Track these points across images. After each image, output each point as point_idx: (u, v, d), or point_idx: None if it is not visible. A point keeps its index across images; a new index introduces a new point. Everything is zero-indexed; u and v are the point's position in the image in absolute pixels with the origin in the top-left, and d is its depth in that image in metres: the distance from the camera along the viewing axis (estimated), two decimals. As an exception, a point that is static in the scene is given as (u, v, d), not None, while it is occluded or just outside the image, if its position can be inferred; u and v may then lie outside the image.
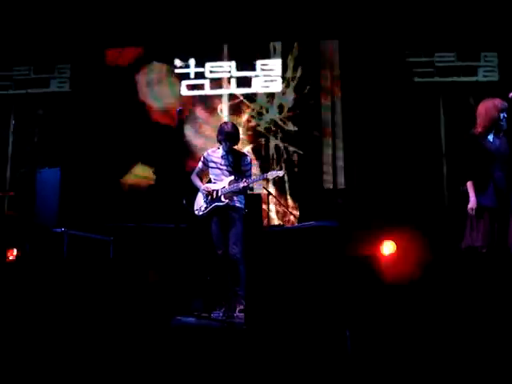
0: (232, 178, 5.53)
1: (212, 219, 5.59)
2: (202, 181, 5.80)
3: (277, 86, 9.20)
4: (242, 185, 5.43)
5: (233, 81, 9.28)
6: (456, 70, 8.84)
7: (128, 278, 4.78)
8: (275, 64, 9.24)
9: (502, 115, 4.80)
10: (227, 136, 5.56)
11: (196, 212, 5.70)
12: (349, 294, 3.71)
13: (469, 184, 4.81)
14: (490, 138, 4.84)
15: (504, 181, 4.74)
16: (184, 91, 9.29)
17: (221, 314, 5.48)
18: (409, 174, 8.28)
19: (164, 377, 3.36)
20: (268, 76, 9.23)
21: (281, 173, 5.48)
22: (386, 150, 8.44)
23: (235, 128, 5.64)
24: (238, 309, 5.36)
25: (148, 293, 4.72)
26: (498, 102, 4.82)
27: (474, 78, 8.83)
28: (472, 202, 4.74)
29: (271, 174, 5.49)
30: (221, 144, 5.65)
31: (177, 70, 9.33)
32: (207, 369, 3.41)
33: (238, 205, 5.56)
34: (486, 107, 4.88)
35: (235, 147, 5.70)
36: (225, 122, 5.78)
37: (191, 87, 9.27)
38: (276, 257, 6.26)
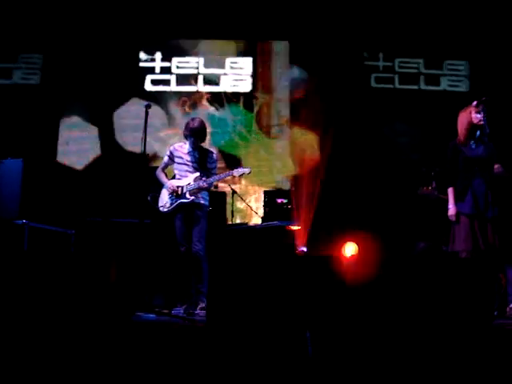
0: (197, 174, 5.52)
1: (176, 216, 5.56)
2: (166, 175, 5.77)
3: (246, 86, 9.00)
4: (202, 184, 5.42)
5: (200, 78, 9.03)
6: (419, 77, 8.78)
7: (89, 273, 4.72)
8: (245, 62, 9.03)
9: (478, 116, 4.84)
10: (192, 132, 5.54)
11: (161, 208, 5.64)
12: (310, 295, 3.74)
13: (449, 191, 4.95)
14: (473, 145, 4.91)
15: (483, 186, 4.83)
16: (148, 86, 8.99)
17: (182, 311, 5.47)
18: (367, 179, 8.19)
19: (123, 372, 3.35)
20: (237, 75, 9.02)
21: (247, 170, 5.50)
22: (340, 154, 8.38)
23: (202, 124, 5.60)
24: (199, 306, 5.37)
25: (108, 288, 4.68)
26: (471, 107, 4.90)
27: (437, 88, 8.69)
28: (451, 210, 4.90)
29: (237, 171, 5.50)
30: (187, 140, 5.63)
31: (141, 64, 9.03)
32: (166, 365, 3.40)
33: (202, 202, 5.55)
34: (461, 116, 4.98)
35: (202, 144, 5.70)
36: (192, 118, 5.74)
37: (156, 82, 8.98)
38: (239, 255, 6.27)
